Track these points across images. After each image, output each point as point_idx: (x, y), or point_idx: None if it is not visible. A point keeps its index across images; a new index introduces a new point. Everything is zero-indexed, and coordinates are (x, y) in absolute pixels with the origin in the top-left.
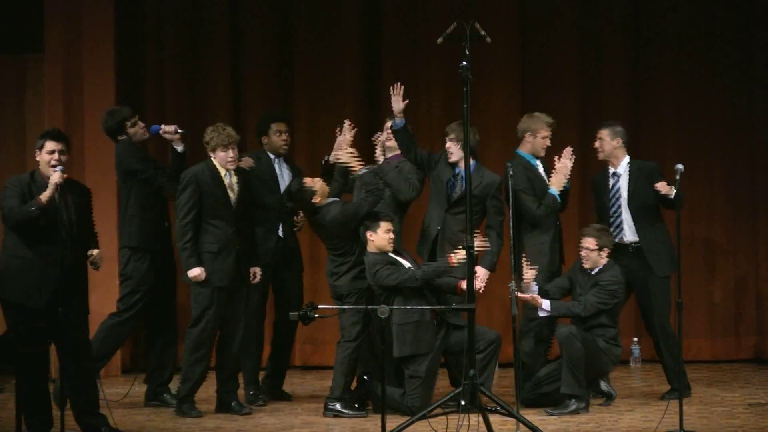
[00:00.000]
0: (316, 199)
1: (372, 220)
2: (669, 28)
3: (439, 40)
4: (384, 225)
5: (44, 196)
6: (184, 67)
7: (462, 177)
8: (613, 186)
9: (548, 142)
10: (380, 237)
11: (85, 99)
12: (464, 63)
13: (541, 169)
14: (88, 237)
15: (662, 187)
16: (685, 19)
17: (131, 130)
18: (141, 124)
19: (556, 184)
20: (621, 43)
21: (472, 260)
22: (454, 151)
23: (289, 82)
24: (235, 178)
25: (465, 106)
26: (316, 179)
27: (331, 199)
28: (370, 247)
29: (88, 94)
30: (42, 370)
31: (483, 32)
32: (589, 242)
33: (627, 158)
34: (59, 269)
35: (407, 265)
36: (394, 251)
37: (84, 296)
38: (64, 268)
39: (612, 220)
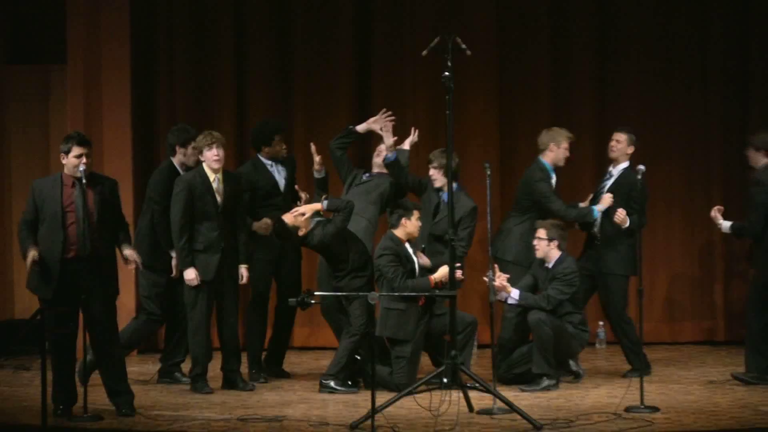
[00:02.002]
0: (301, 232)
1: (405, 208)
2: (631, 39)
3: (424, 53)
4: (416, 213)
5: (28, 258)
6: (192, 76)
7: (445, 202)
8: (602, 183)
9: (569, 153)
10: (413, 224)
11: (104, 106)
12: (446, 73)
13: (553, 180)
14: (114, 227)
15: (617, 216)
16: (645, 30)
17: (189, 151)
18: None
19: (602, 204)
20: (588, 54)
21: (454, 252)
22: (438, 178)
23: (289, 89)
24: (222, 184)
25: (447, 112)
26: (297, 214)
27: (315, 220)
28: (399, 232)
29: (106, 102)
30: (68, 352)
31: (463, 46)
32: (541, 232)
33: (626, 164)
34: (59, 264)
35: (416, 261)
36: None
37: (109, 283)
38: (82, 260)
39: None
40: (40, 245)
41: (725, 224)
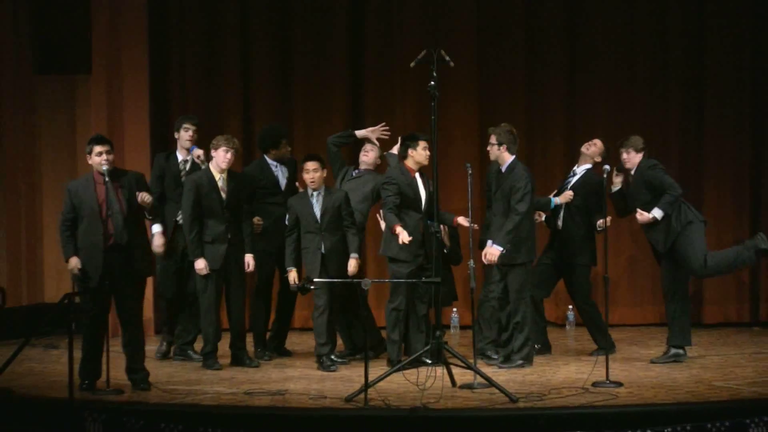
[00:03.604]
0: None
1: (411, 140)
2: (598, 51)
3: (412, 64)
4: (422, 143)
5: (71, 266)
6: (203, 82)
7: None
8: (567, 179)
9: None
10: (419, 153)
11: (124, 113)
12: (432, 83)
13: None
14: (140, 215)
15: (601, 224)
16: (611, 43)
17: (182, 134)
18: (191, 132)
19: (560, 199)
20: (560, 64)
21: (438, 242)
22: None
23: (290, 95)
24: (226, 183)
25: (432, 117)
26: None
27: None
28: (409, 162)
29: (126, 109)
30: (99, 331)
31: (447, 58)
32: (492, 138)
33: (589, 166)
34: (102, 254)
35: (422, 191)
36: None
37: (141, 267)
38: (119, 248)
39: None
40: (83, 239)
41: (657, 212)
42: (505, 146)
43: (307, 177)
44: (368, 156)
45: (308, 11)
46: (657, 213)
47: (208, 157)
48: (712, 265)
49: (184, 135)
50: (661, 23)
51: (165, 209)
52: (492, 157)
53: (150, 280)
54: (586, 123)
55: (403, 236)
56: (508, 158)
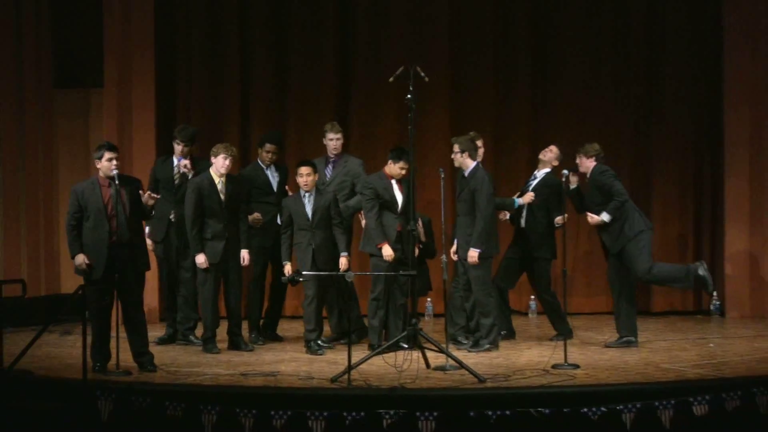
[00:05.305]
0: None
1: (397, 156)
2: (561, 67)
3: (391, 80)
4: (402, 163)
5: (79, 262)
6: (205, 96)
7: None
8: (528, 182)
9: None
10: (393, 167)
11: (134, 124)
12: (409, 96)
13: None
14: (140, 215)
15: (559, 221)
16: (573, 61)
17: (175, 147)
18: (180, 147)
19: (523, 199)
20: (526, 79)
21: (414, 239)
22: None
23: (284, 105)
24: (225, 185)
25: (410, 127)
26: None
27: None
28: (386, 169)
29: (135, 119)
30: (106, 319)
31: (422, 74)
32: (455, 147)
33: (548, 170)
34: (107, 249)
35: (398, 197)
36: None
37: (141, 261)
38: (121, 244)
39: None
40: (89, 236)
41: (605, 216)
42: (467, 153)
43: (301, 180)
44: (331, 143)
45: (302, 29)
46: (605, 216)
47: (196, 167)
48: (656, 274)
49: (176, 147)
50: (621, 41)
51: (159, 208)
52: (456, 164)
53: (156, 273)
54: (549, 131)
55: (387, 253)
56: (470, 164)
